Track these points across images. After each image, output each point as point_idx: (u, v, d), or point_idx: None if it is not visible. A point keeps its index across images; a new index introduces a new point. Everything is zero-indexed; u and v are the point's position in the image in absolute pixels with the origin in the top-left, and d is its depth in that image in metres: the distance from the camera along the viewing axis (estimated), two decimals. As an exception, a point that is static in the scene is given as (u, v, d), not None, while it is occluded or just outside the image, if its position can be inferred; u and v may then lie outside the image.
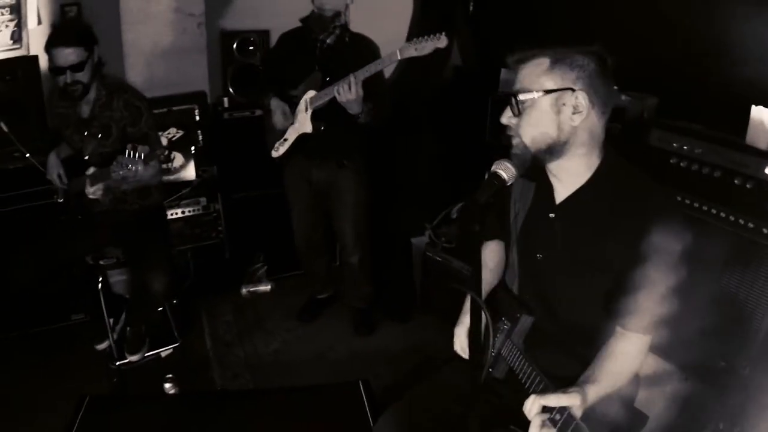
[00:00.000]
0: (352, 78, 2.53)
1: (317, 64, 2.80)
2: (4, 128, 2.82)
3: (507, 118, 1.45)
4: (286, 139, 2.90)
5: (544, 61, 1.38)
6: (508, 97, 1.43)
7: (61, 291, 2.92)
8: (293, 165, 3.03)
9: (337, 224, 3.14)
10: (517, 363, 1.50)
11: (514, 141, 1.44)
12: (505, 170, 1.35)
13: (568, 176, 1.47)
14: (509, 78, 1.61)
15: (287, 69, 2.89)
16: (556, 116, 1.37)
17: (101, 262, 2.76)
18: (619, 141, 2.39)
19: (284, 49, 2.96)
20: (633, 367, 1.47)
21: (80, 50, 2.40)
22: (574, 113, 1.36)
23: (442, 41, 2.38)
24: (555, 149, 1.40)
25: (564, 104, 1.36)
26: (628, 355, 1.43)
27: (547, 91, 1.36)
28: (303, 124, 2.82)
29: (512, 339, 1.55)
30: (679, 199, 2.11)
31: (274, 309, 3.56)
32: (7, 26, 2.90)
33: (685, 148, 2.12)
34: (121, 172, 2.26)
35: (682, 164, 2.12)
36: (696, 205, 2.07)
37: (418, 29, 3.65)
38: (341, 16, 2.81)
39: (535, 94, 1.37)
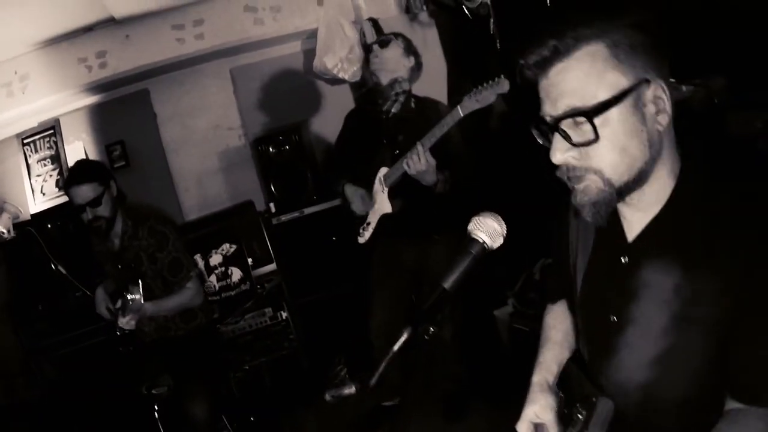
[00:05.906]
0: (419, 147, 2.29)
1: (384, 138, 2.63)
2: (63, 271, 2.93)
3: (563, 152, 0.99)
4: (368, 223, 2.71)
5: (598, 49, 0.93)
6: (556, 124, 0.98)
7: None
8: (381, 247, 2.79)
9: None
10: None
11: (581, 185, 0.99)
12: (487, 231, 0.97)
13: (647, 202, 1.02)
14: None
15: (356, 149, 2.74)
16: (643, 126, 0.94)
17: (153, 392, 2.64)
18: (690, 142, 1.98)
19: (350, 129, 2.83)
20: None
21: (94, 185, 2.44)
22: (658, 114, 0.95)
23: (503, 85, 2.08)
24: (644, 174, 0.97)
25: (645, 105, 0.94)
26: None
27: (626, 92, 0.93)
28: (382, 204, 2.63)
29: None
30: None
31: (361, 412, 3.17)
32: (51, 176, 3.09)
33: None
34: (129, 303, 2.29)
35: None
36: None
37: (456, 80, 3.42)
38: (401, 83, 2.60)
39: (614, 104, 0.93)
